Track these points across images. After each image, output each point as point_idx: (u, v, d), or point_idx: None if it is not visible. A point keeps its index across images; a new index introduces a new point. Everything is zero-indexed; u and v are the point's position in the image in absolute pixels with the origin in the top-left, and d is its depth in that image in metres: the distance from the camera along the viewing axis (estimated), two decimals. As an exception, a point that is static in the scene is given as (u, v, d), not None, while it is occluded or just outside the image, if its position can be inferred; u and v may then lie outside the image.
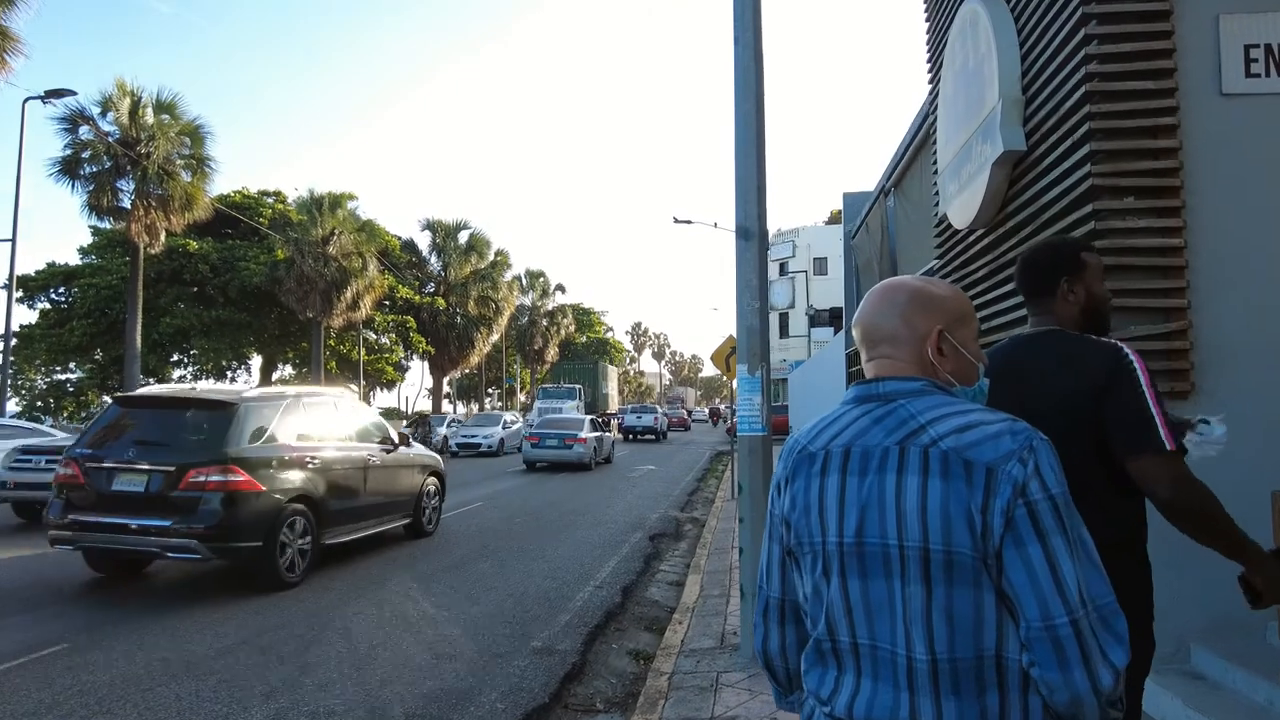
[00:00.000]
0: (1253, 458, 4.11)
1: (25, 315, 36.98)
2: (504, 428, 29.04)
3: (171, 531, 7.03)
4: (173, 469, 7.19)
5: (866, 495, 1.34)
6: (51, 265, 33.40)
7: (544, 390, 39.45)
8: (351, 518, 9.00)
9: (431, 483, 11.01)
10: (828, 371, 17.56)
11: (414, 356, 41.30)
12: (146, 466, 7.28)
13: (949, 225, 6.92)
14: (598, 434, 23.37)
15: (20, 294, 33.25)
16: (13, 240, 18.20)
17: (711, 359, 15.78)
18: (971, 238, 6.36)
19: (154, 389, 9.30)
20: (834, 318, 23.54)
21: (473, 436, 27.83)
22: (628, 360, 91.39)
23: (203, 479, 7.13)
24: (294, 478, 7.95)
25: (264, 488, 7.50)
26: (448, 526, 11.74)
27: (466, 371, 50.83)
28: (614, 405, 48.30)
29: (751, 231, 5.62)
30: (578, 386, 38.90)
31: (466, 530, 11.54)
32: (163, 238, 22.64)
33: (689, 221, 28.44)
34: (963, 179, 6.15)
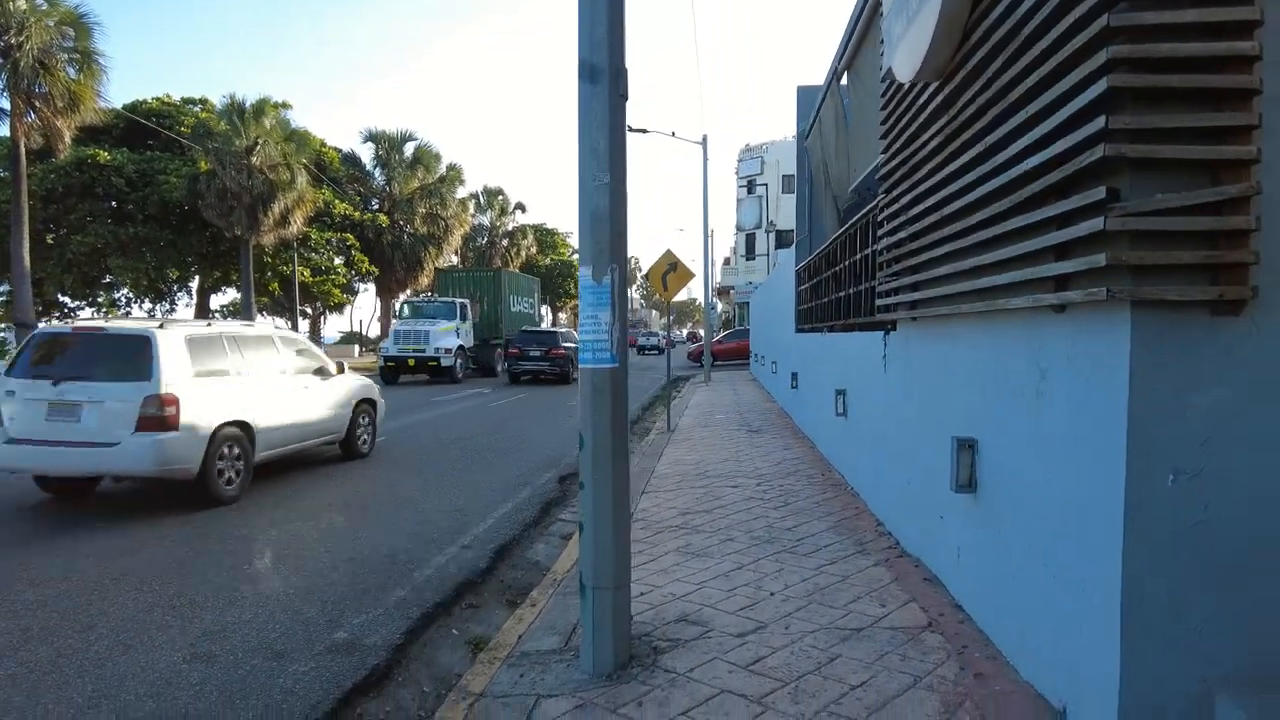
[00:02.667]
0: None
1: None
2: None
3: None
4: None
5: None
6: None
7: (410, 305, 28.37)
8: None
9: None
10: (780, 293, 15.92)
11: (360, 278, 38.97)
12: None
13: (894, 83, 5.18)
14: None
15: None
16: None
17: (647, 276, 14.05)
18: (923, 96, 4.64)
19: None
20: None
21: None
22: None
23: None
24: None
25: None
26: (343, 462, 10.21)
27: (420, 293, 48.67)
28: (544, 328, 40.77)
29: (600, 70, 3.85)
30: (459, 302, 27.20)
31: (352, 468, 9.98)
32: (67, 140, 20.10)
33: (644, 130, 26.19)
34: (910, 10, 4.39)
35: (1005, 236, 3.42)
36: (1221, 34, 2.49)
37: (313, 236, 33.52)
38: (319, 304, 39.66)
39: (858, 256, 7.55)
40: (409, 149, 38.56)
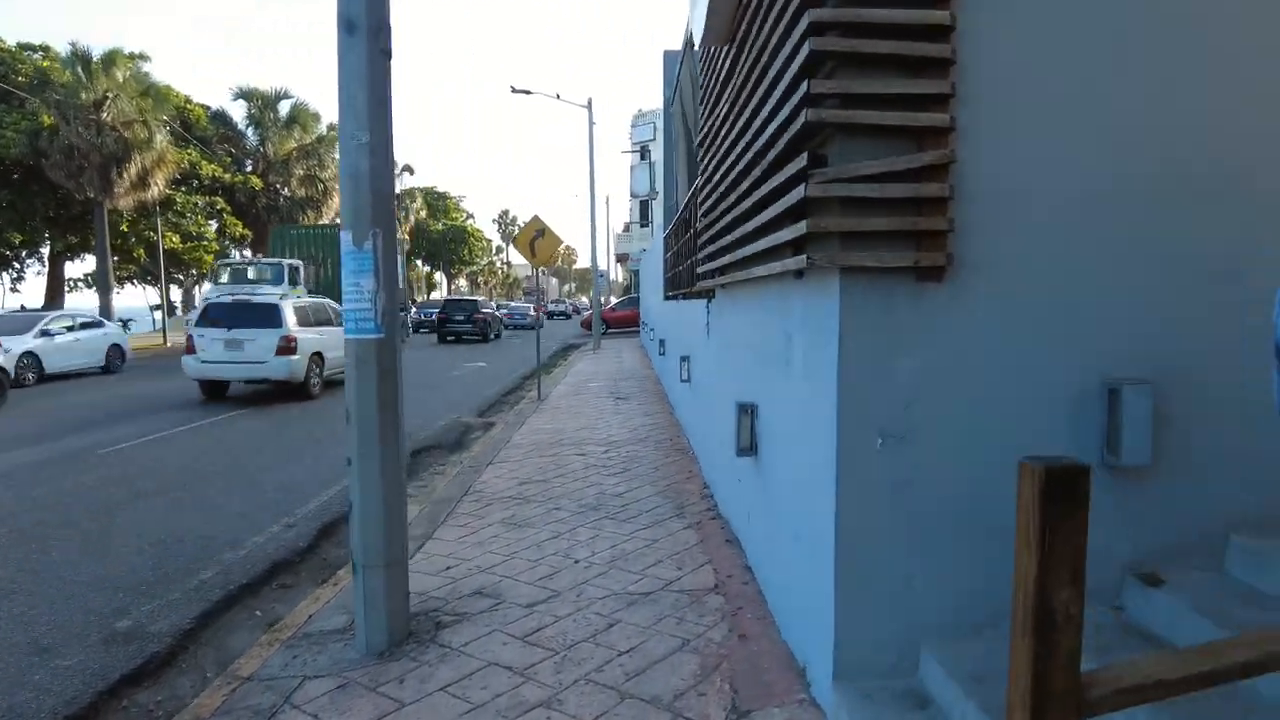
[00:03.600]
0: (1042, 371, 2.68)
1: None
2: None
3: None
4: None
5: None
6: None
7: (224, 267, 23.84)
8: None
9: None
10: (654, 260, 15.95)
11: (235, 245, 36.83)
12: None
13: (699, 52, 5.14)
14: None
15: None
16: None
17: (514, 244, 13.78)
18: (719, 61, 4.61)
19: None
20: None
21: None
22: (494, 250, 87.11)
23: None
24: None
25: None
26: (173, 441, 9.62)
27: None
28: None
29: (357, 22, 3.62)
30: (289, 264, 22.87)
31: (196, 445, 9.43)
32: None
33: (527, 91, 25.59)
34: (702, -29, 4.32)
35: (762, 202, 3.43)
36: (920, 2, 2.50)
37: (178, 200, 31.37)
38: (193, 272, 37.36)
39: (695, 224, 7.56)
40: (284, 108, 36.44)
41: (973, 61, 2.58)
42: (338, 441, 9.36)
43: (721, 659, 3.50)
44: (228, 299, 14.75)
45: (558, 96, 25.77)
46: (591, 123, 26.46)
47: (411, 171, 52.35)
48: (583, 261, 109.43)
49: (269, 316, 13.68)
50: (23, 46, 30.12)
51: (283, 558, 5.74)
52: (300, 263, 23.79)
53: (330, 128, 39.77)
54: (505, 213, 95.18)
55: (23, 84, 26.86)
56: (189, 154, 30.68)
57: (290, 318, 13.80)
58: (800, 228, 2.60)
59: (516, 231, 14.05)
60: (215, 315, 13.83)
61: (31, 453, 9.29)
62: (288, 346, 13.48)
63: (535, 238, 13.18)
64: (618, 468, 7.59)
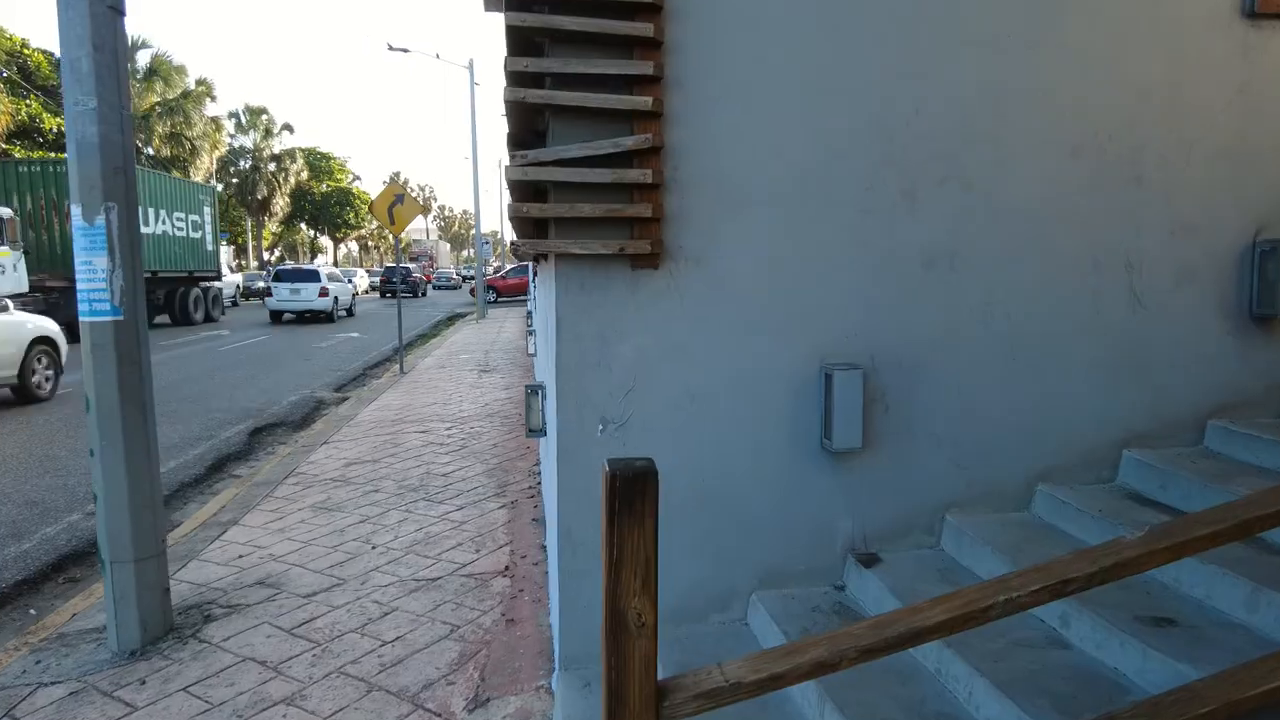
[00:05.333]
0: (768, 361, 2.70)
1: None
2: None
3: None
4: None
5: None
6: None
7: None
8: None
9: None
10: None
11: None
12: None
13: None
14: None
15: None
16: None
17: (371, 210, 13.24)
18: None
19: None
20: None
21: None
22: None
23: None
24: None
25: None
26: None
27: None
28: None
29: (76, -27, 3.29)
30: None
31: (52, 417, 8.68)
32: None
33: (405, 50, 24.51)
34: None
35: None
36: (629, -19, 2.44)
37: (16, 156, 28.66)
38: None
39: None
40: (143, 58, 33.73)
41: (686, 43, 2.55)
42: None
43: (482, 646, 3.46)
44: (289, 267, 19.18)
45: (437, 56, 24.89)
46: (474, 84, 25.66)
47: (291, 130, 49.60)
48: (486, 224, 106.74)
49: (313, 276, 18.72)
50: None
51: (78, 548, 5.38)
52: (6, 212, 15.70)
53: (199, 82, 37.24)
54: (396, 175, 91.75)
55: None
56: (27, 104, 28.02)
57: (325, 275, 19.51)
58: (518, 208, 2.52)
59: (412, 193, 13.40)
60: (278, 275, 18.17)
61: None
62: (325, 291, 19.89)
63: (394, 203, 12.70)
64: (456, 445, 7.45)
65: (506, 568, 4.33)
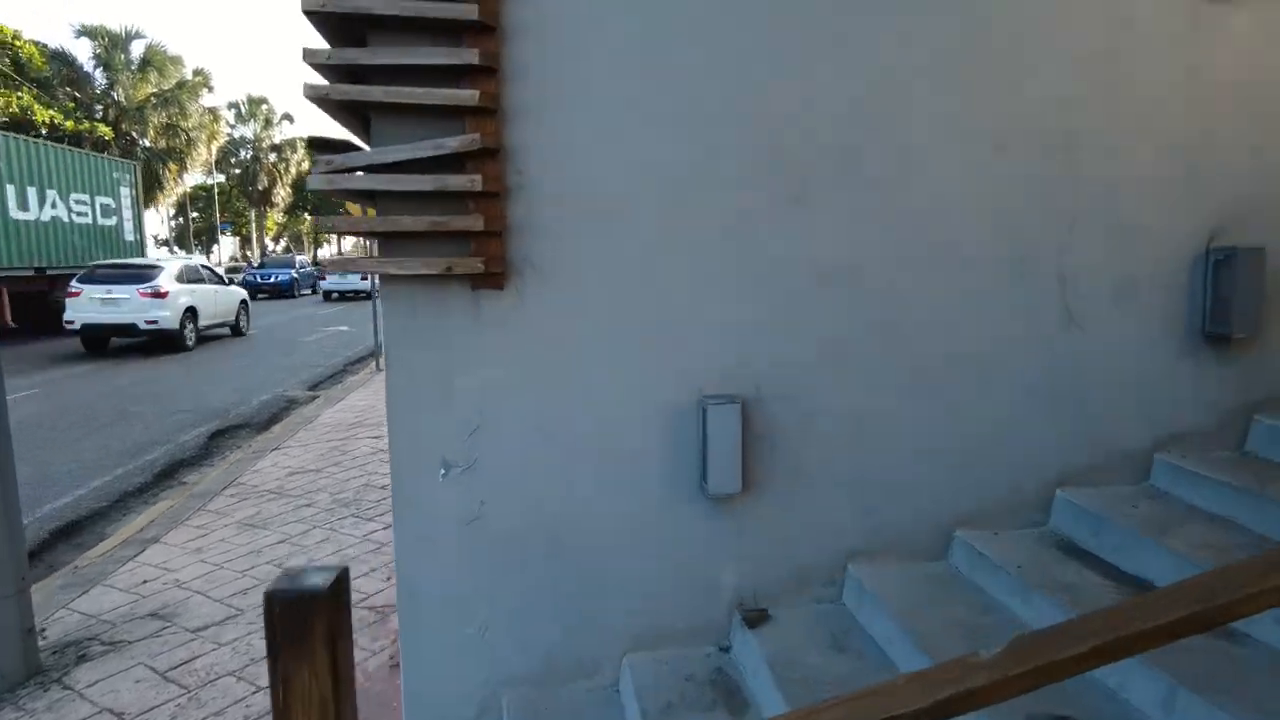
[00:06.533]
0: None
1: None
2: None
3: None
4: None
5: None
6: None
7: None
8: None
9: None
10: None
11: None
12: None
13: None
14: None
15: None
16: None
17: (347, 210, 12.88)
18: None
19: None
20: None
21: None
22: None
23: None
24: None
25: None
26: None
27: (180, 218, 43.60)
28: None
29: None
30: None
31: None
32: None
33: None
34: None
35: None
36: (453, -46, 2.08)
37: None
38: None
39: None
40: (137, 49, 33.47)
41: (529, 26, 2.19)
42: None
43: (360, 695, 3.14)
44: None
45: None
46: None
47: (291, 120, 49.25)
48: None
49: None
50: None
51: None
52: None
53: (196, 73, 36.97)
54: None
55: None
56: (19, 96, 27.81)
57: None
58: (325, 223, 2.18)
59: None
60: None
61: None
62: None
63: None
64: (406, 451, 7.14)
65: (412, 599, 4.02)
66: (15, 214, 16.02)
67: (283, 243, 59.38)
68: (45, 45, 31.75)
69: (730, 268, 2.40)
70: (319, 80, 2.13)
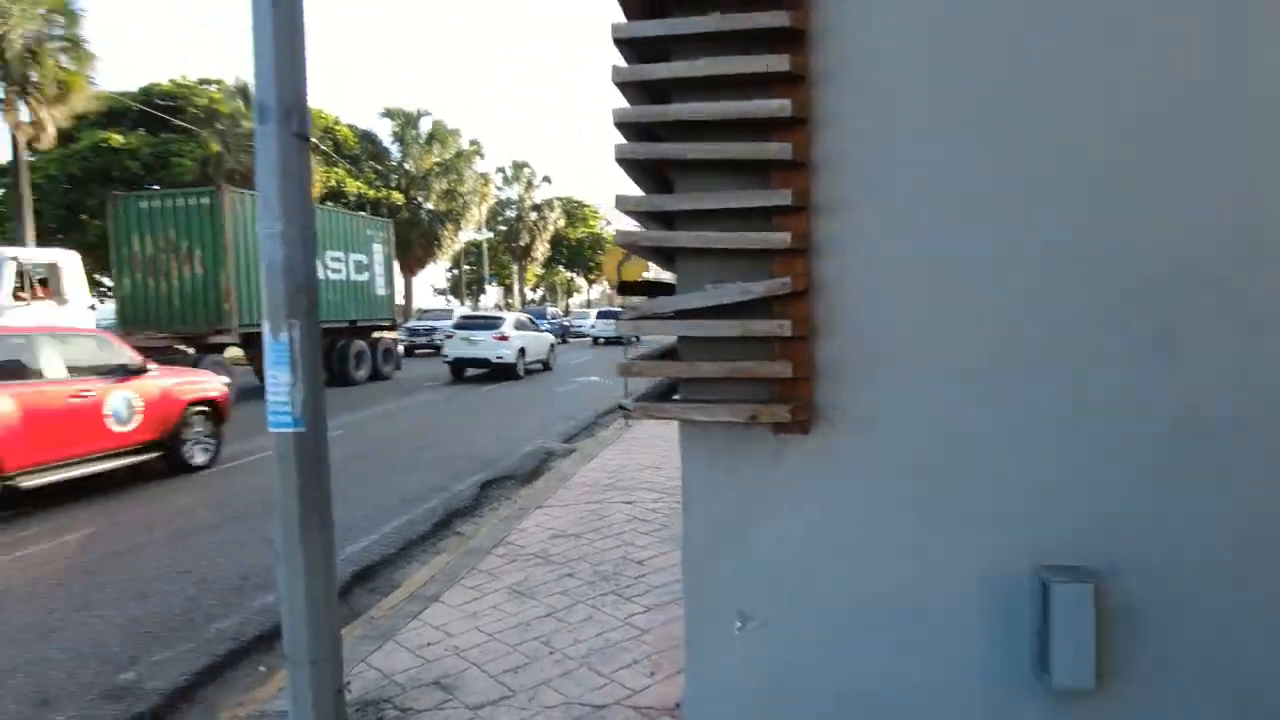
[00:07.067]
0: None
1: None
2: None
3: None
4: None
5: None
6: (-13, 160, 31.45)
7: None
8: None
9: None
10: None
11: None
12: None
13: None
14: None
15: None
16: None
17: (602, 270, 13.61)
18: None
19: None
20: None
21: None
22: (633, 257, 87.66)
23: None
24: None
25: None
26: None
27: (455, 271, 48.93)
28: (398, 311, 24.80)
29: (269, 109, 3.46)
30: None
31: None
32: (51, 131, 20.50)
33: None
34: None
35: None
36: (768, 87, 2.00)
37: (139, 191, 33.66)
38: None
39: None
40: (425, 125, 38.46)
41: (830, 163, 2.04)
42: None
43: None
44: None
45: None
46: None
47: (550, 181, 53.98)
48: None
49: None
50: (202, 81, 33.36)
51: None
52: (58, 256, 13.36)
53: (471, 143, 41.62)
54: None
55: (196, 115, 29.71)
56: (335, 172, 32.84)
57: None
58: (649, 367, 2.16)
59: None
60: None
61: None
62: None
63: (623, 261, 12.96)
64: (658, 524, 7.19)
65: (677, 706, 3.92)
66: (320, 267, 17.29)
67: (540, 291, 64.57)
68: (356, 127, 37.44)
69: (1074, 421, 2.05)
70: (620, 139, 2.14)
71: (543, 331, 23.26)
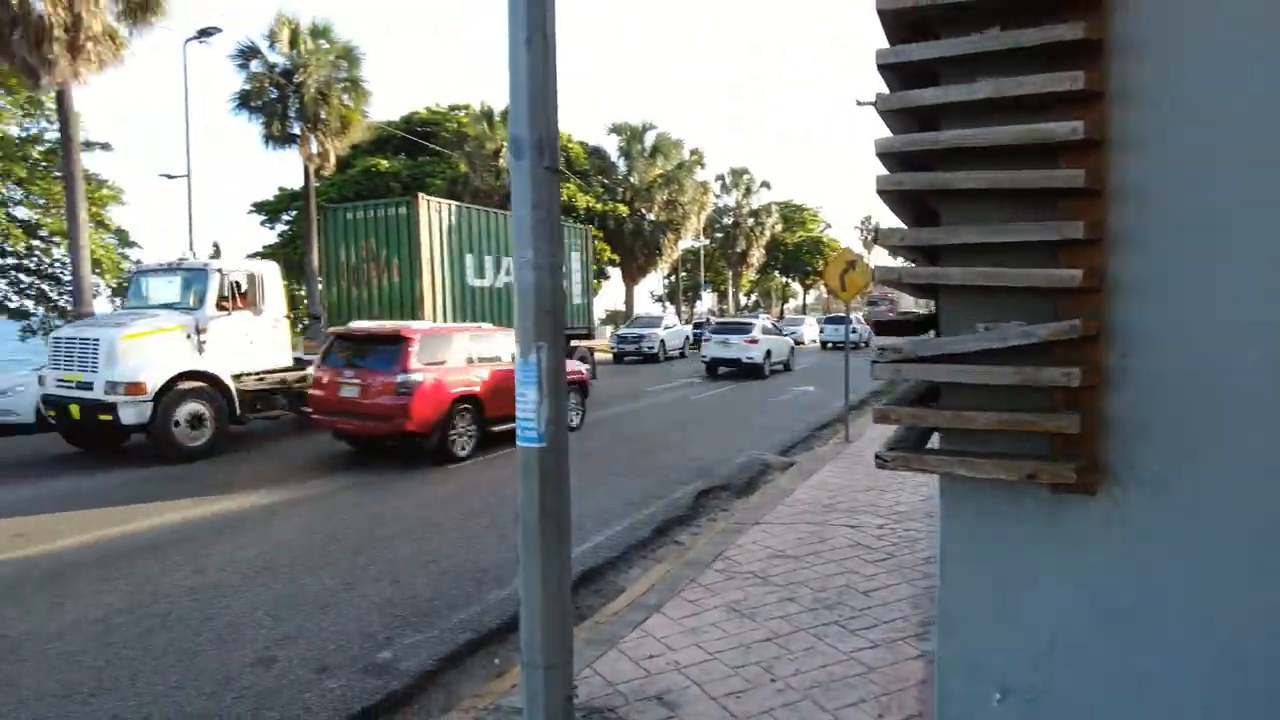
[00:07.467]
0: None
1: (268, 237, 41.07)
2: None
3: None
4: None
5: None
6: (282, 190, 36.83)
7: (142, 276, 13.61)
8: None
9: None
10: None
11: (604, 265, 41.13)
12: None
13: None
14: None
15: (263, 217, 37.29)
16: (187, 175, 19.73)
17: (823, 278, 13.25)
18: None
19: None
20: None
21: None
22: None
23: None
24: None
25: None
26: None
27: (672, 278, 50.18)
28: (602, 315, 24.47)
29: (523, 143, 3.70)
30: (208, 267, 12.61)
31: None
32: (333, 161, 23.60)
33: (872, 104, 24.39)
34: None
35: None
36: (1047, 109, 1.80)
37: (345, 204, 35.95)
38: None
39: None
40: (649, 138, 39.74)
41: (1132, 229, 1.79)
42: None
43: None
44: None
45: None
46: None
47: (768, 187, 53.58)
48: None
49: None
50: (453, 107, 36.85)
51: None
52: (245, 270, 13.01)
53: (692, 153, 42.46)
54: (867, 219, 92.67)
55: (447, 139, 32.84)
56: (567, 188, 34.86)
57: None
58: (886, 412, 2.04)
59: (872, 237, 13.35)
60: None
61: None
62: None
63: (846, 270, 12.54)
64: (884, 551, 6.85)
65: (909, 755, 3.69)
66: (472, 281, 17.43)
67: (754, 297, 64.44)
68: (586, 144, 39.56)
69: None
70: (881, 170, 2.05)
71: (784, 336, 26.97)
